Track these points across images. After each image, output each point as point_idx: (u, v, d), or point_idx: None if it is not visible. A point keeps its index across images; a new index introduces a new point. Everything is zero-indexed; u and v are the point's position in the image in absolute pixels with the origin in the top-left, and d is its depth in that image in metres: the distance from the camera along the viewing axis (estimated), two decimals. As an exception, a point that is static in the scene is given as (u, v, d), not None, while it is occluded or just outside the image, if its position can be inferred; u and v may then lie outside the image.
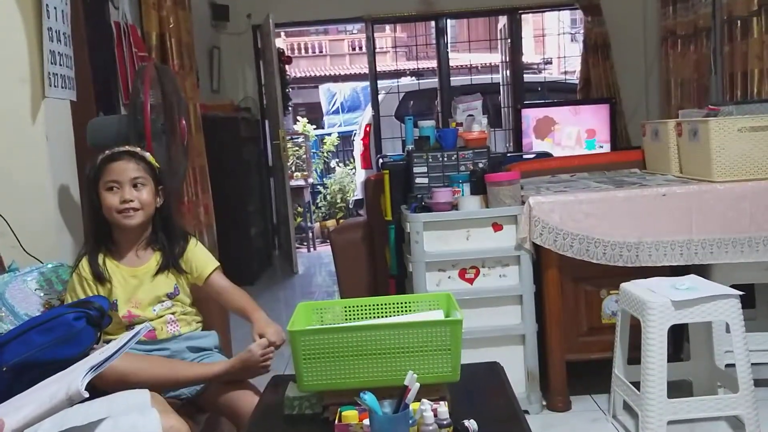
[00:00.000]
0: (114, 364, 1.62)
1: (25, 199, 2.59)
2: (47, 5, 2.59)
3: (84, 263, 2.14)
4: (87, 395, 1.39)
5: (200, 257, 2.21)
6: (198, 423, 2.06)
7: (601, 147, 4.81)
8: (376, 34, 6.71)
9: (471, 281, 2.87)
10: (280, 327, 2.05)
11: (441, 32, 6.64)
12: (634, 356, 2.62)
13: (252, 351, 1.98)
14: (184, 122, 2.80)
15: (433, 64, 7.59)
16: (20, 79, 2.55)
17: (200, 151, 4.34)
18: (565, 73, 7.99)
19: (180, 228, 2.26)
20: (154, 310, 2.13)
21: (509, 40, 6.78)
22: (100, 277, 2.11)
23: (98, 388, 1.69)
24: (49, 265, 2.35)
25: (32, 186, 2.60)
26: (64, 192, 2.71)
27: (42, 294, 2.22)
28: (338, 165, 10.28)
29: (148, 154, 2.18)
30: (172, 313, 2.15)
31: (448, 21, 6.81)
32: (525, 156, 4.47)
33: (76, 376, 1.41)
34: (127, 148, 2.17)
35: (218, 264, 2.25)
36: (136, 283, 2.13)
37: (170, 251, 2.17)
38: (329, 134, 10.76)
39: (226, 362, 2.05)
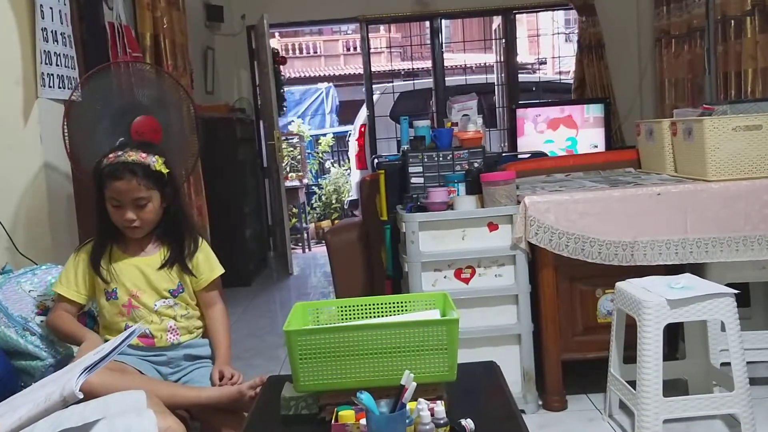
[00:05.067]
0: (91, 383, 1.60)
1: (19, 201, 2.58)
2: (41, 6, 2.58)
3: (87, 248, 2.14)
4: (82, 396, 1.38)
5: (204, 264, 2.20)
6: (194, 429, 2.06)
7: (596, 147, 4.83)
8: (370, 35, 6.72)
9: (467, 281, 2.87)
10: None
11: (435, 32, 6.65)
12: (630, 355, 2.62)
13: (243, 393, 1.99)
14: (154, 123, 2.63)
15: (427, 64, 7.60)
16: (14, 81, 2.54)
17: (194, 152, 4.32)
18: (560, 73, 8.02)
19: (190, 230, 2.21)
20: (156, 306, 2.12)
21: (504, 41, 6.79)
22: (95, 267, 2.11)
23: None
24: (44, 267, 2.35)
25: (26, 187, 2.59)
26: (58, 193, 2.70)
27: (36, 295, 2.21)
28: (333, 165, 10.27)
29: (154, 160, 2.08)
30: (173, 317, 2.14)
31: (443, 21, 6.82)
32: (520, 156, 4.48)
33: (70, 377, 1.41)
34: (131, 158, 2.05)
35: (222, 271, 2.25)
36: (138, 274, 2.12)
37: (178, 249, 2.16)
38: (324, 134, 10.76)
39: (216, 392, 2.02)
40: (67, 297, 2.12)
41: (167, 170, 2.12)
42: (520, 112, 4.93)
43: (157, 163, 2.10)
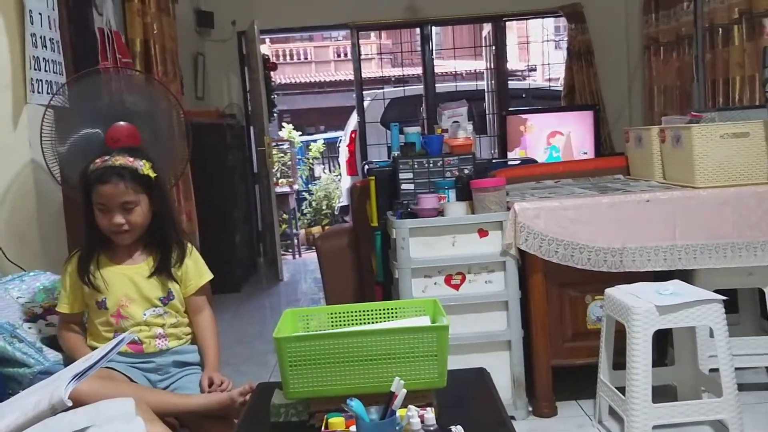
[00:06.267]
0: (80, 390, 1.59)
1: (7, 206, 2.57)
2: (31, 11, 2.57)
3: (74, 260, 2.12)
4: (70, 404, 1.38)
5: (193, 269, 2.18)
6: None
7: (585, 153, 4.85)
8: (361, 41, 6.73)
9: (457, 287, 2.88)
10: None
11: (426, 39, 6.66)
12: (619, 361, 2.63)
13: (233, 399, 1.97)
14: (130, 129, 2.55)
15: (418, 70, 7.61)
16: (4, 86, 2.53)
17: (183, 158, 4.32)
18: (549, 80, 8.04)
19: (177, 236, 2.19)
20: (144, 315, 2.10)
21: (494, 47, 6.82)
22: (84, 279, 2.09)
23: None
24: (32, 273, 2.33)
25: (15, 193, 2.58)
26: (47, 199, 2.69)
27: (24, 302, 2.20)
28: (324, 171, 10.25)
29: (141, 164, 2.06)
30: (162, 326, 2.12)
31: (433, 28, 6.83)
32: (510, 162, 4.49)
33: (59, 385, 1.40)
34: (119, 162, 2.04)
35: (211, 277, 2.23)
36: (128, 283, 2.10)
37: (165, 258, 2.14)
38: (315, 141, 10.75)
39: (205, 399, 2.00)
40: (69, 313, 2.12)
41: (155, 174, 2.10)
42: (509, 118, 4.95)
43: (144, 167, 2.07)
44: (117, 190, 2.02)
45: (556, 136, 4.83)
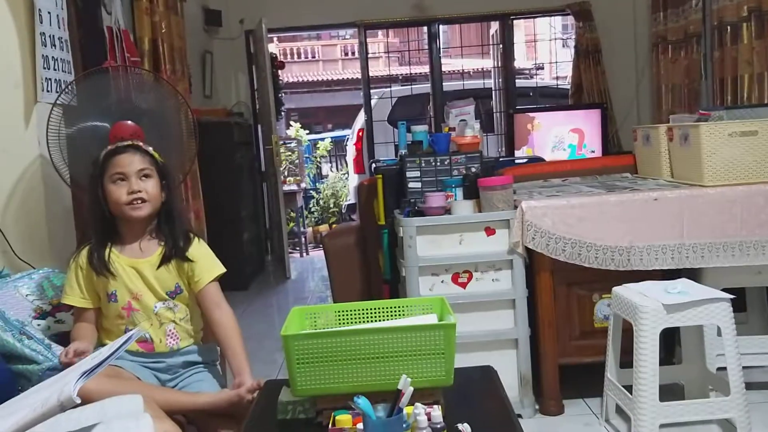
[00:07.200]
0: (88, 388, 1.60)
1: (17, 204, 2.58)
2: (40, 10, 2.59)
3: (83, 253, 2.12)
4: (79, 401, 1.38)
5: (202, 261, 2.16)
6: (190, 432, 2.05)
7: (593, 152, 4.85)
8: (368, 40, 6.73)
9: (464, 285, 2.88)
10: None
11: (433, 38, 6.66)
12: (627, 360, 2.62)
13: (242, 396, 1.97)
14: (134, 128, 2.50)
15: (425, 69, 7.61)
16: (14, 85, 2.54)
17: (191, 156, 4.33)
18: (557, 78, 8.01)
19: (184, 226, 2.20)
20: (156, 308, 2.10)
21: (501, 46, 6.81)
22: (96, 269, 2.09)
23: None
24: (41, 271, 2.35)
25: (24, 190, 2.59)
26: (56, 197, 2.70)
27: (33, 299, 2.21)
28: (331, 170, 10.25)
29: (151, 149, 2.16)
30: (173, 321, 2.12)
31: (441, 26, 6.82)
32: (517, 161, 4.49)
33: (68, 382, 1.41)
34: (131, 141, 2.15)
35: (223, 270, 2.20)
36: (138, 276, 2.10)
37: (174, 243, 2.13)
38: (322, 139, 10.77)
39: (213, 397, 2.00)
40: (76, 305, 2.12)
41: (163, 161, 2.16)
42: (517, 117, 4.95)
43: (153, 151, 2.15)
44: (134, 158, 2.10)
45: (571, 133, 4.83)
